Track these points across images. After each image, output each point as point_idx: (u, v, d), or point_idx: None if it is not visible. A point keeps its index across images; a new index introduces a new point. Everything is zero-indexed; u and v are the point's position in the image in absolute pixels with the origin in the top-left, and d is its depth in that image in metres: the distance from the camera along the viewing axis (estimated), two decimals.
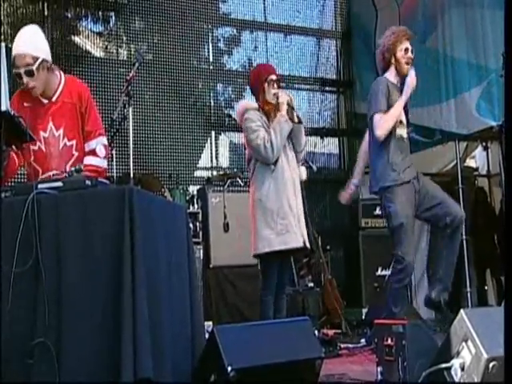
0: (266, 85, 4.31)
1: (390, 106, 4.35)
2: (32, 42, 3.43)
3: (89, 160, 3.55)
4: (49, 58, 3.50)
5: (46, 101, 3.57)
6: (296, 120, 4.28)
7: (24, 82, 3.42)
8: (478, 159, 8.66)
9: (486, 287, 7.74)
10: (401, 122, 4.45)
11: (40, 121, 3.52)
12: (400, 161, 4.36)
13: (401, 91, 4.44)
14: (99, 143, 3.63)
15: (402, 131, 4.44)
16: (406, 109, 4.52)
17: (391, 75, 4.54)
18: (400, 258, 4.25)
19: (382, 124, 4.29)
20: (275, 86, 4.32)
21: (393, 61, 4.50)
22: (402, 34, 4.50)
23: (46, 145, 3.55)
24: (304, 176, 4.52)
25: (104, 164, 3.67)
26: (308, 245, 4.30)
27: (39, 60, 3.41)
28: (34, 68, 3.39)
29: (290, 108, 4.27)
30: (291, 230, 4.15)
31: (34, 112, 3.50)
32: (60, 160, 3.52)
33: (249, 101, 4.48)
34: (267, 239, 4.14)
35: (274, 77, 4.34)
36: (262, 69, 4.52)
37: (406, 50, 4.46)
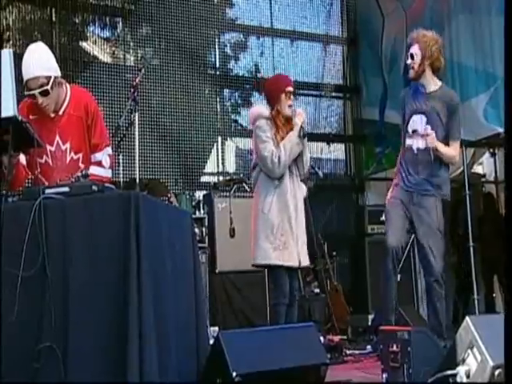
0: (284, 95, 4.33)
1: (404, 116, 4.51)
2: (41, 62, 3.44)
3: (93, 170, 3.55)
4: (58, 73, 3.53)
5: (52, 114, 3.57)
6: (301, 134, 4.31)
7: (39, 103, 3.44)
8: (485, 166, 8.63)
9: (493, 294, 7.70)
10: (415, 131, 4.40)
11: (47, 134, 3.51)
12: (408, 171, 4.42)
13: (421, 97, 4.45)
14: (105, 154, 3.66)
15: (413, 141, 4.40)
16: (429, 116, 4.39)
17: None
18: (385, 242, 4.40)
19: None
20: (291, 97, 4.38)
21: None
22: (408, 39, 4.53)
23: (52, 158, 3.57)
24: (304, 193, 4.52)
25: (108, 174, 3.70)
26: (305, 263, 4.35)
27: (52, 79, 3.44)
28: (49, 87, 3.42)
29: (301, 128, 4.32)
30: (289, 248, 4.22)
31: (41, 125, 3.48)
32: (67, 173, 3.49)
33: (262, 107, 4.49)
34: (265, 252, 4.22)
35: (290, 88, 4.39)
36: (281, 79, 4.57)
37: (406, 56, 4.48)
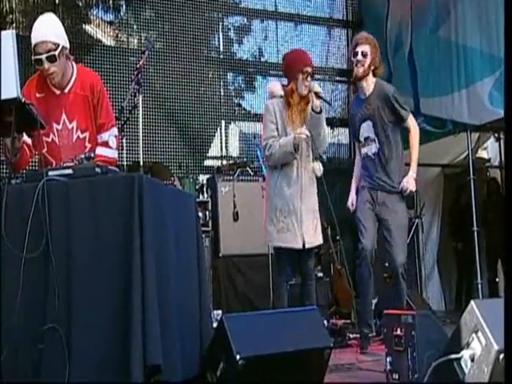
0: (301, 75, 4.27)
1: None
2: (52, 28, 3.45)
3: (100, 151, 3.55)
4: (67, 45, 3.51)
5: (58, 91, 3.56)
6: (318, 109, 4.26)
7: (45, 68, 3.41)
8: (490, 150, 8.60)
9: (497, 279, 7.70)
10: (367, 138, 4.58)
11: (53, 112, 3.51)
12: (365, 174, 4.64)
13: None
14: (111, 135, 3.64)
15: (368, 148, 4.58)
16: (373, 119, 4.56)
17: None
18: (358, 243, 4.58)
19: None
20: (308, 78, 4.29)
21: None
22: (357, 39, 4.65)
23: (59, 137, 3.55)
24: (319, 173, 4.48)
25: (115, 155, 3.68)
26: (311, 245, 4.33)
27: (60, 46, 3.42)
28: (56, 53, 3.40)
29: (318, 97, 4.25)
30: (292, 231, 4.24)
31: (47, 103, 3.49)
32: (73, 152, 3.49)
33: (276, 85, 4.48)
34: (270, 234, 4.31)
35: (309, 69, 4.29)
36: (301, 58, 4.42)
37: (354, 53, 4.59)
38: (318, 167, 4.41)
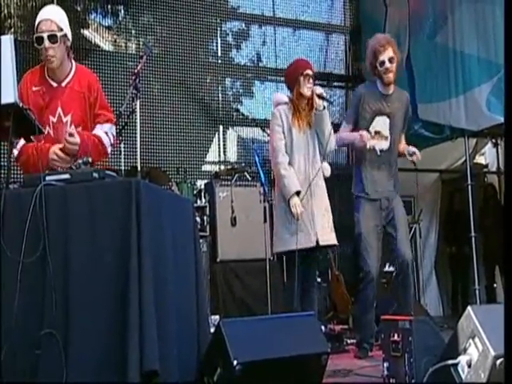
0: (302, 78, 4.37)
1: (360, 116, 4.55)
2: (59, 15, 3.50)
3: (99, 132, 3.55)
4: (70, 38, 3.54)
5: (55, 84, 3.57)
6: (321, 108, 4.32)
7: (45, 46, 3.42)
8: (487, 156, 8.62)
9: (494, 284, 7.71)
10: (378, 132, 4.54)
11: (49, 105, 3.53)
12: (370, 174, 4.58)
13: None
14: (111, 130, 3.66)
15: (377, 143, 4.54)
16: (392, 118, 4.55)
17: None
18: (360, 268, 4.50)
19: (337, 137, 4.55)
20: (310, 80, 4.40)
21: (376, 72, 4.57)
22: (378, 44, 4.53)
23: (54, 130, 3.55)
24: (327, 173, 4.51)
25: (109, 147, 3.65)
26: (325, 242, 4.34)
27: (63, 32, 3.46)
28: (58, 35, 3.42)
29: (320, 98, 4.32)
30: (304, 230, 4.25)
31: (43, 95, 3.51)
32: None
33: (281, 94, 4.63)
34: (283, 239, 4.30)
35: (309, 72, 4.41)
36: (300, 63, 4.59)
37: (377, 60, 4.49)
38: (327, 167, 4.49)
